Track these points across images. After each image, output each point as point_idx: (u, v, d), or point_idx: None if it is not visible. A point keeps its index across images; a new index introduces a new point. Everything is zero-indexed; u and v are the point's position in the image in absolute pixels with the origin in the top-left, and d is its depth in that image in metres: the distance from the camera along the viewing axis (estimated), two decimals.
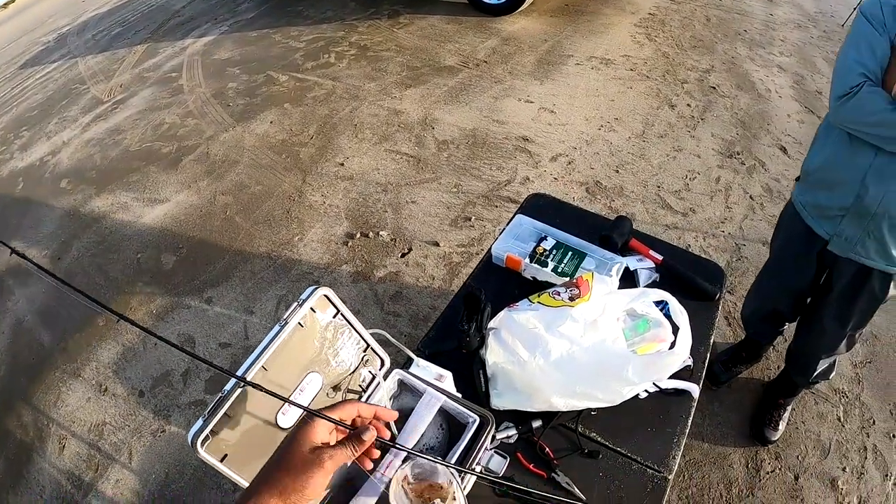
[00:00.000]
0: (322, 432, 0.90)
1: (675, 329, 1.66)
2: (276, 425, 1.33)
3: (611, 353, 1.60)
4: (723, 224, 3.43)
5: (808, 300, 2.33)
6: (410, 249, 3.49)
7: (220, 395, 1.23)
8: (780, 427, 2.63)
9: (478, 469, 1.38)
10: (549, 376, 1.60)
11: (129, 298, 3.49)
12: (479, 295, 1.71)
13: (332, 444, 0.92)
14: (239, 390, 1.25)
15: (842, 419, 2.66)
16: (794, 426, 2.65)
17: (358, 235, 3.59)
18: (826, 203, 1.83)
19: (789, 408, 2.66)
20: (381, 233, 3.59)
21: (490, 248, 2.13)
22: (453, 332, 1.82)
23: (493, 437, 1.55)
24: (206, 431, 1.20)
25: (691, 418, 1.78)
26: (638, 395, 1.78)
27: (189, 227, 3.82)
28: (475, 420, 1.37)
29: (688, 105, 4.18)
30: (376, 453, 0.98)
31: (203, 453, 1.19)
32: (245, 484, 1.27)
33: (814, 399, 2.72)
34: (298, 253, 3.58)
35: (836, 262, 1.94)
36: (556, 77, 4.48)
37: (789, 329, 2.68)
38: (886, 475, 2.50)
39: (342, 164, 4.03)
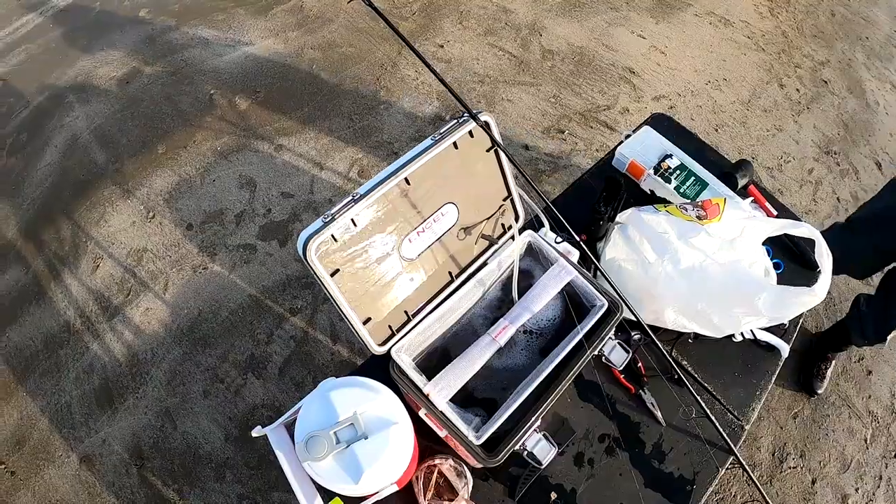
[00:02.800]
0: None
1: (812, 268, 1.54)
2: (399, 252, 1.21)
3: (746, 276, 1.48)
4: (806, 215, 3.30)
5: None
6: None
7: (352, 197, 1.10)
8: (826, 380, 2.69)
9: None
10: (674, 284, 1.48)
11: (195, 131, 3.36)
12: (621, 180, 1.57)
13: None
14: (378, 195, 1.11)
15: (868, 442, 2.63)
16: (825, 432, 2.62)
17: (448, 118, 3.42)
18: None
19: (834, 361, 2.71)
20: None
21: (614, 149, 2.00)
22: (571, 215, 1.70)
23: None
24: (327, 235, 1.07)
25: (775, 376, 1.75)
26: (733, 336, 1.72)
27: (270, 74, 3.66)
28: (603, 304, 1.25)
29: (797, 90, 3.97)
30: None
31: (315, 259, 1.06)
32: (346, 307, 1.14)
33: (848, 413, 2.68)
34: (382, 121, 3.43)
35: None
36: (672, 21, 4.23)
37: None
38: None
39: (442, 47, 3.84)
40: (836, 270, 2.47)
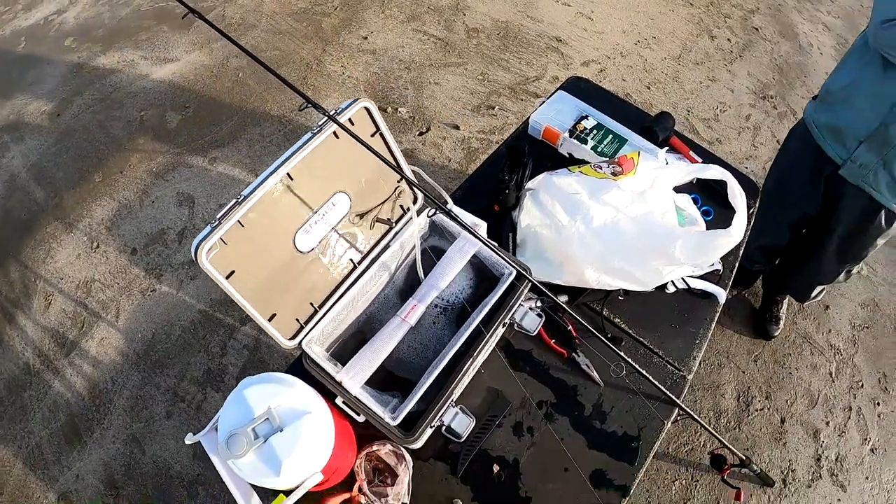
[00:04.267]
0: None
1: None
2: (294, 246, 1.20)
3: (659, 227, 1.49)
4: (747, 161, 3.33)
5: (805, 231, 2.27)
6: (429, 129, 3.37)
7: (236, 200, 1.10)
8: (781, 322, 2.68)
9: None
10: (588, 244, 1.48)
11: (130, 155, 3.33)
12: (524, 148, 1.57)
13: None
14: (260, 195, 1.12)
15: (833, 375, 2.67)
16: (788, 371, 2.65)
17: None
18: (845, 125, 1.70)
19: (786, 301, 2.69)
20: (399, 109, 3.44)
21: (527, 119, 2.00)
22: (487, 189, 1.70)
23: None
24: (215, 239, 1.07)
25: (714, 323, 1.73)
26: (666, 288, 1.71)
27: (198, 88, 3.63)
28: (511, 272, 1.25)
29: (728, 40, 4.01)
30: None
31: (207, 264, 1.06)
32: (248, 307, 1.14)
33: (810, 349, 2.72)
34: (312, 120, 3.39)
35: (844, 193, 1.85)
36: None
37: None
38: (865, 439, 2.52)
39: (365, 38, 3.82)
40: (764, 253, 2.47)
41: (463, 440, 1.13)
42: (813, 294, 2.36)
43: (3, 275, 2.98)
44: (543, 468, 1.46)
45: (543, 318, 1.24)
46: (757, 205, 1.93)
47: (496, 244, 1.30)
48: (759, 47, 3.99)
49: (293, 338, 1.19)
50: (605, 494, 1.43)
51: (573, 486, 1.44)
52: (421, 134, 3.33)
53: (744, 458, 1.96)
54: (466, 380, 1.20)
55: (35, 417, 2.57)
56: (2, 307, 2.87)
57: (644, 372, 1.46)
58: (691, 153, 2.00)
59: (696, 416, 1.58)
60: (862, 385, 2.65)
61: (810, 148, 1.85)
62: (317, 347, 1.18)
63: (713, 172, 1.52)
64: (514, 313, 1.23)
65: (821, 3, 4.41)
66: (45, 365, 2.69)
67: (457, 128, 3.37)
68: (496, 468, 1.45)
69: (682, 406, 1.54)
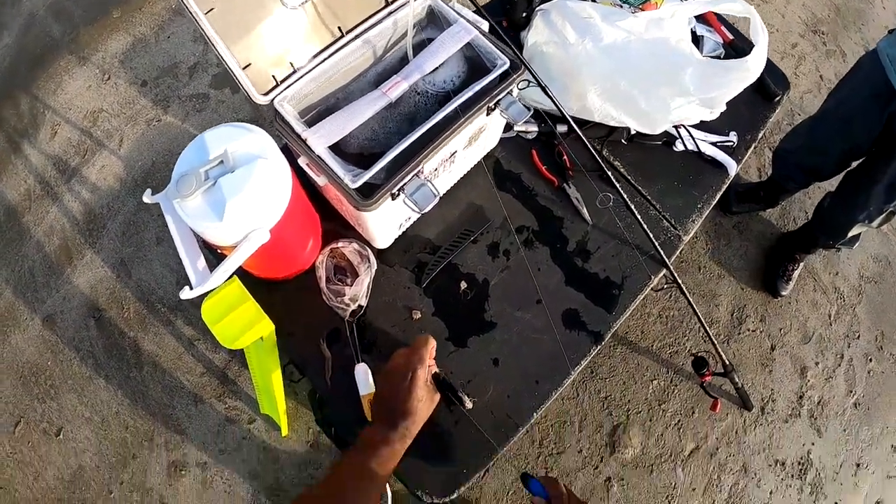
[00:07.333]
0: None
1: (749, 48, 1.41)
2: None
3: (672, 51, 1.39)
4: None
5: (854, 164, 2.14)
6: None
7: None
8: (792, 282, 2.56)
9: (497, 112, 1.19)
10: (595, 62, 1.40)
11: None
12: None
13: None
14: None
15: (832, 318, 2.59)
16: (787, 300, 2.57)
17: None
18: None
19: (803, 263, 2.58)
20: None
21: None
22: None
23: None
24: None
25: (720, 193, 1.64)
26: (674, 145, 1.61)
27: None
28: (504, 63, 1.17)
29: None
30: None
31: None
32: (223, 48, 1.06)
33: (813, 285, 2.63)
34: None
35: None
36: None
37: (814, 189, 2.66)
38: (851, 391, 2.47)
39: None
40: (802, 170, 2.35)
41: (422, 212, 1.07)
42: (850, 233, 2.21)
43: (12, 107, 2.94)
44: (514, 295, 1.41)
45: (531, 111, 1.16)
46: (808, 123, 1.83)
47: (495, 35, 1.22)
48: None
49: (267, 94, 1.13)
50: (575, 336, 1.38)
51: (542, 320, 1.38)
52: None
53: (728, 363, 1.91)
54: (439, 157, 1.14)
55: (31, 242, 2.58)
56: (9, 137, 2.85)
57: (633, 208, 1.38)
58: (723, 28, 1.88)
59: (681, 284, 1.50)
60: (859, 336, 2.58)
61: (879, 78, 1.76)
62: (289, 107, 1.12)
63: (738, 7, 1.41)
64: (500, 100, 1.16)
65: None
66: (45, 191, 2.69)
67: None
68: (464, 285, 1.41)
69: (670, 267, 1.45)
